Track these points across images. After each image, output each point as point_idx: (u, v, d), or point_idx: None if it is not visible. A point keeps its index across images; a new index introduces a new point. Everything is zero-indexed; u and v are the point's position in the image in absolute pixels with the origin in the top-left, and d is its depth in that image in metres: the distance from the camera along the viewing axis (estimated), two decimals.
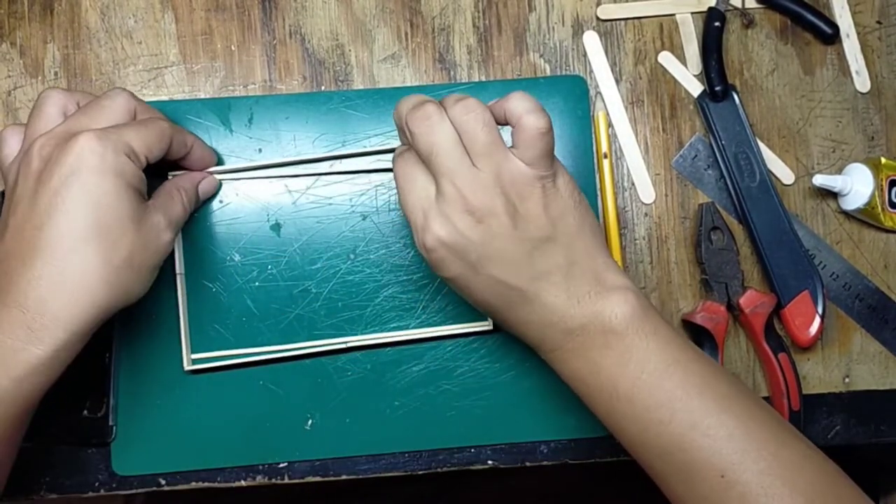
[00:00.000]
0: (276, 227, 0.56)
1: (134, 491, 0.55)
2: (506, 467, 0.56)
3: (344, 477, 0.56)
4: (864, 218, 0.57)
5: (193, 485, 0.55)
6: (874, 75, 0.59)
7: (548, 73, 0.58)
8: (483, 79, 0.58)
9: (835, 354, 0.58)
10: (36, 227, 0.43)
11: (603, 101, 0.58)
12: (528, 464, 0.56)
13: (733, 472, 0.41)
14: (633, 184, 0.58)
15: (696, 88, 0.58)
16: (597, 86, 0.58)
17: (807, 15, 0.58)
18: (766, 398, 0.57)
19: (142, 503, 0.81)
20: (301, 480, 0.56)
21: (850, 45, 0.59)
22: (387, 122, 0.56)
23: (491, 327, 0.55)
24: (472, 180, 0.42)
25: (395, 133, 0.55)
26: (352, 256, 0.56)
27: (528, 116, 0.42)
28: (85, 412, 0.54)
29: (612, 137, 0.58)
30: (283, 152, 0.56)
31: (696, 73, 0.58)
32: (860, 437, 0.58)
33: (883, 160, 0.56)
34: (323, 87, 0.57)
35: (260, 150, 0.56)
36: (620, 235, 0.57)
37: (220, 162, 0.55)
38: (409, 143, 0.44)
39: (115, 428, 0.54)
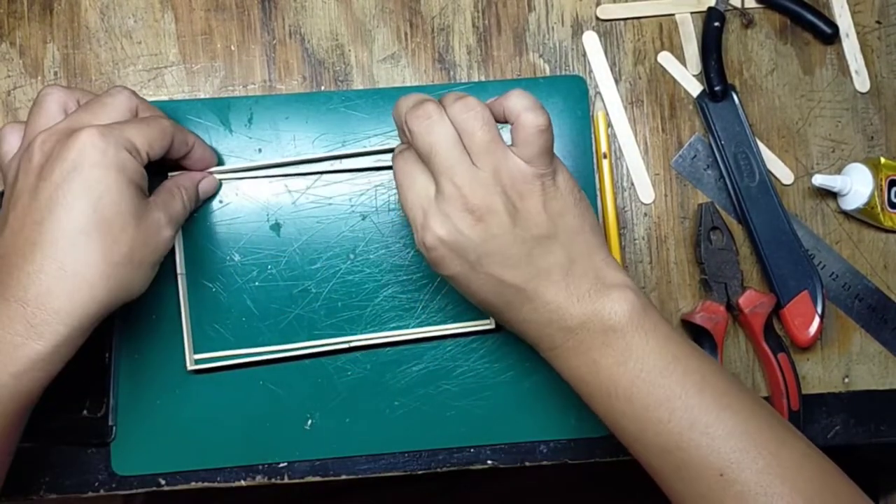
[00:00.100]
0: (276, 226, 0.56)
1: (134, 491, 0.55)
2: (505, 467, 0.56)
3: (344, 477, 0.56)
4: (864, 218, 0.57)
5: (193, 485, 0.55)
6: (874, 75, 0.59)
7: (547, 73, 0.58)
8: (482, 79, 0.58)
9: (834, 354, 0.58)
10: (36, 221, 0.43)
11: (602, 101, 0.58)
12: (527, 463, 0.56)
13: (732, 470, 0.41)
14: (632, 184, 0.58)
15: (695, 88, 0.58)
16: (596, 86, 0.58)
17: (806, 15, 0.58)
18: (765, 398, 0.57)
19: (141, 503, 0.81)
20: (301, 480, 0.56)
21: (850, 44, 0.59)
22: (386, 121, 0.56)
23: (493, 326, 0.55)
24: (471, 179, 0.42)
25: (395, 133, 0.55)
26: (351, 256, 0.56)
27: (527, 114, 0.42)
28: (85, 412, 0.54)
29: (612, 137, 0.58)
30: (283, 152, 0.56)
31: (696, 73, 0.58)
32: (860, 437, 0.58)
33: (882, 160, 0.56)
34: (323, 87, 0.57)
35: (260, 150, 0.56)
36: (620, 235, 0.57)
37: (220, 162, 0.55)
38: (409, 142, 0.44)
39: (114, 428, 0.54)
